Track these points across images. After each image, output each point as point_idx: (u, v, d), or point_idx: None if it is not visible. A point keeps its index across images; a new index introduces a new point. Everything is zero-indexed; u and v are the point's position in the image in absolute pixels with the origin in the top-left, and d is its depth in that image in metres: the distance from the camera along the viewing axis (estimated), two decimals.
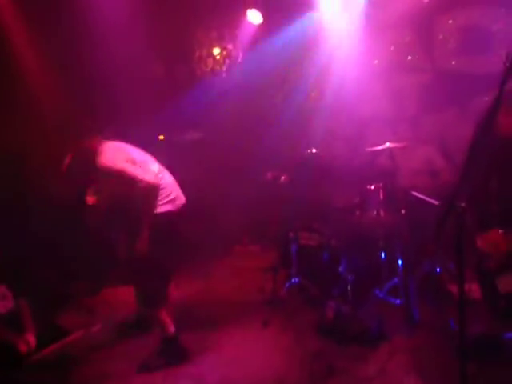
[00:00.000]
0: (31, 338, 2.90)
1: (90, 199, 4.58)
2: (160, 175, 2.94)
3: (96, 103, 4.71)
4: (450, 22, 4.51)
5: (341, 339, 2.90)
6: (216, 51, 5.54)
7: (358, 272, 3.52)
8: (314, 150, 4.04)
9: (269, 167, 4.10)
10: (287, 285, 3.67)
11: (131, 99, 4.70)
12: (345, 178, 4.30)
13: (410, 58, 4.79)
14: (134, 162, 2.84)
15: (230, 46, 5.57)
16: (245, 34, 5.45)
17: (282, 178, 3.88)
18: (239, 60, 5.60)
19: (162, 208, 2.85)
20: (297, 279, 3.65)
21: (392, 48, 4.86)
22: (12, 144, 4.32)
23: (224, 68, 5.67)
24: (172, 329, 2.88)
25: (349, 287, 3.39)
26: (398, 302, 3.33)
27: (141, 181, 2.72)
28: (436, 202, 2.97)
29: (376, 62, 4.90)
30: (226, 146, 5.52)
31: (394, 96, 4.86)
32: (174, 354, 2.86)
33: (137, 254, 2.76)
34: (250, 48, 5.48)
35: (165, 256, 2.87)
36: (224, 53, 5.57)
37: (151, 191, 2.78)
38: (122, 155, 2.85)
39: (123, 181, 2.76)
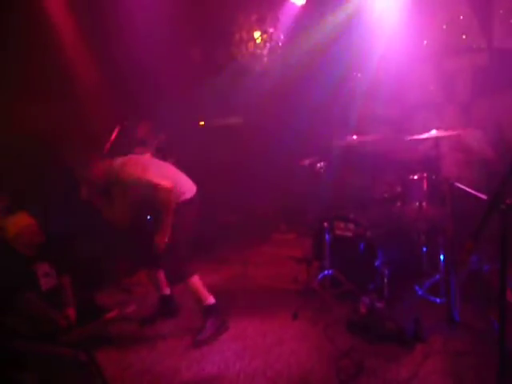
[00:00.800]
0: (71, 314, 3.02)
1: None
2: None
3: (133, 90, 4.77)
4: None
5: (373, 337, 2.76)
6: (256, 34, 5.40)
7: (396, 267, 3.33)
8: (354, 137, 3.87)
9: (307, 153, 3.97)
10: (320, 277, 3.56)
11: (169, 84, 4.71)
12: (387, 167, 4.07)
13: (464, 37, 4.39)
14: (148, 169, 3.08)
15: (271, 29, 5.41)
16: (287, 16, 5.27)
17: (319, 164, 3.73)
18: (280, 43, 5.43)
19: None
20: (330, 271, 3.52)
21: (444, 27, 4.47)
22: (54, 128, 4.46)
23: (265, 52, 5.54)
24: (211, 299, 3.11)
25: (385, 282, 3.21)
26: (438, 300, 3.12)
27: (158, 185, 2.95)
28: (483, 196, 2.70)
29: (426, 42, 4.54)
30: (265, 131, 5.42)
31: (445, 80, 4.50)
32: (219, 321, 3.08)
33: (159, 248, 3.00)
34: (292, 30, 5.30)
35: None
36: (265, 36, 5.42)
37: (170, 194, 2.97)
38: (139, 166, 3.09)
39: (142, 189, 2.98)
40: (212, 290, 3.95)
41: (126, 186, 2.99)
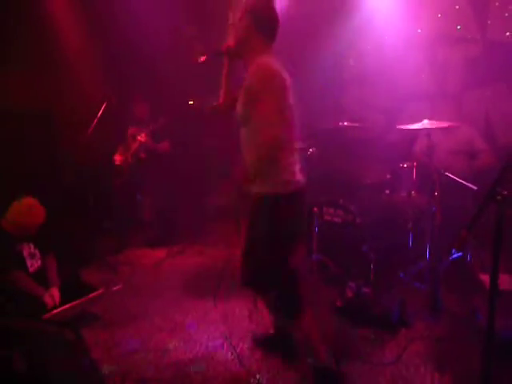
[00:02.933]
0: (56, 293, 2.97)
1: (118, 158, 4.64)
2: None
3: (126, 68, 4.66)
4: None
5: (359, 321, 2.82)
6: None
7: (383, 253, 3.39)
8: (345, 123, 3.86)
9: (299, 138, 3.94)
10: (307, 261, 3.59)
11: (163, 63, 4.61)
12: (378, 154, 4.10)
13: (459, 27, 4.39)
14: None
15: None
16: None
17: (310, 150, 3.73)
18: None
19: None
20: (318, 256, 3.56)
21: (439, 16, 4.46)
22: (43, 100, 4.35)
23: None
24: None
25: (372, 268, 3.27)
26: (422, 287, 3.20)
27: None
28: (473, 187, 2.76)
29: (419, 30, 4.53)
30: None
31: (438, 69, 4.51)
32: None
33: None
34: (285, 14, 5.19)
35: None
36: None
37: None
38: None
39: None
40: (198, 272, 3.98)
41: None
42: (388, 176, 3.71)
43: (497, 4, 4.17)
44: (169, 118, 4.64)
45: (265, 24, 2.16)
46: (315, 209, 3.61)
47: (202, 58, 2.31)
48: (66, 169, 4.80)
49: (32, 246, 3.07)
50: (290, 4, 5.08)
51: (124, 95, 4.47)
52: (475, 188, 2.73)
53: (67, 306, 2.90)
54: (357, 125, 3.89)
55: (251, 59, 2.14)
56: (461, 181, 2.95)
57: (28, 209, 3.00)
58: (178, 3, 4.75)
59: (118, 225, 4.71)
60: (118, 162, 4.67)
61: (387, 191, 3.65)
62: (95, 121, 4.09)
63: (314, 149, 3.73)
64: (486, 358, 1.70)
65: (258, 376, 2.35)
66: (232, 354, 2.58)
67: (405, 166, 3.52)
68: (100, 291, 3.16)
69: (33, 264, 3.05)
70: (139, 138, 4.56)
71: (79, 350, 2.40)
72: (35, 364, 1.83)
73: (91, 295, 3.09)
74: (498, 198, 1.61)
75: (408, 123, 3.37)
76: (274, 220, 2.10)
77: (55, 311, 2.81)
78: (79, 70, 4.71)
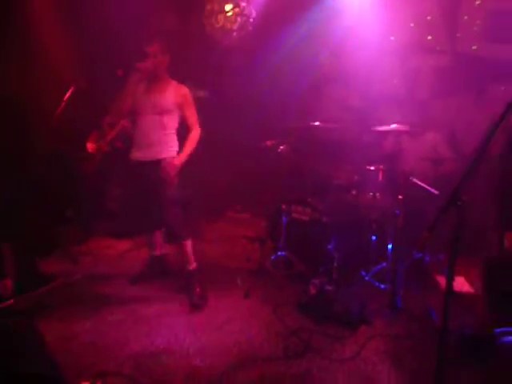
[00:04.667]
0: (8, 284, 2.86)
1: (91, 146, 4.48)
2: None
3: (101, 53, 4.52)
4: (478, 2, 4.24)
5: (320, 318, 2.87)
6: (228, 7, 5.24)
7: (347, 252, 3.47)
8: (317, 123, 3.91)
9: (271, 135, 3.97)
10: (273, 257, 3.63)
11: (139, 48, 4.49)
12: (347, 155, 4.18)
13: (430, 37, 4.54)
14: None
15: (243, 3, 5.26)
16: None
17: (281, 147, 3.75)
18: (252, 19, 5.31)
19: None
20: (283, 252, 3.60)
21: (412, 25, 4.60)
22: (9, 89, 4.15)
23: (235, 27, 5.39)
24: (196, 264, 3.38)
25: (335, 266, 3.33)
26: (382, 286, 3.30)
27: None
28: (436, 192, 2.87)
29: (392, 38, 4.65)
30: (229, 107, 5.33)
31: (408, 77, 4.65)
32: (202, 283, 3.28)
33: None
34: (264, 8, 5.19)
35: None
36: (236, 10, 5.26)
37: None
38: None
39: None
40: (164, 263, 3.91)
41: None
42: (355, 177, 3.79)
43: (466, 18, 4.34)
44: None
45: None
46: (284, 206, 3.64)
47: (120, 73, 3.04)
48: (31, 154, 4.60)
49: None
50: (266, 4, 5.11)
51: (98, 82, 4.32)
52: (437, 193, 2.84)
53: (24, 295, 2.79)
54: (328, 125, 3.95)
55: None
56: (424, 185, 3.06)
57: None
58: None
59: (83, 214, 4.57)
60: (90, 150, 4.50)
61: (354, 192, 3.73)
62: (62, 105, 3.94)
63: (285, 146, 3.76)
64: (439, 355, 1.77)
65: (218, 370, 2.36)
66: (193, 348, 2.57)
67: (372, 168, 3.61)
68: (57, 282, 3.07)
69: None
70: (121, 124, 4.41)
71: (34, 341, 2.31)
72: None
73: (48, 286, 2.99)
74: (459, 203, 1.68)
75: (378, 126, 3.45)
76: None
77: (9, 302, 2.70)
78: (49, 55, 4.53)
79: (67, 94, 3.98)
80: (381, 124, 3.50)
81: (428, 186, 3.02)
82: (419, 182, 3.13)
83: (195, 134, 3.29)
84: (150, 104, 3.19)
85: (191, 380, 2.29)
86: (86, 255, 4.05)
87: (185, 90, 3.27)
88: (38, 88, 4.31)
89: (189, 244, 3.35)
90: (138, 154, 3.32)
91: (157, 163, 3.20)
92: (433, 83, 4.54)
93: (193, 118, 3.29)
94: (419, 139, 3.80)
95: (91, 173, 4.52)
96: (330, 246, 3.47)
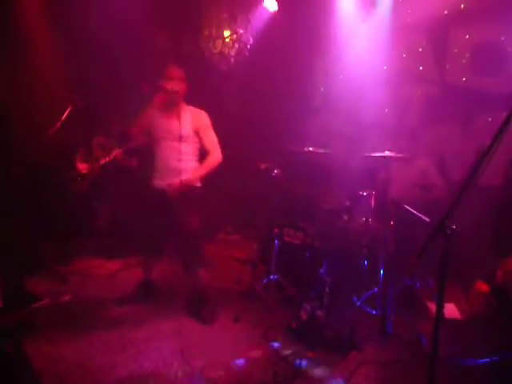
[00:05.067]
0: None
1: (82, 166, 4.48)
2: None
3: (92, 72, 4.58)
4: (467, 37, 4.41)
5: (311, 343, 2.85)
6: (226, 33, 5.39)
7: (338, 277, 3.46)
8: (310, 149, 3.97)
9: (265, 158, 4.02)
10: (265, 281, 3.61)
11: (131, 69, 4.56)
12: (339, 180, 4.23)
13: (421, 68, 4.69)
14: None
15: (241, 30, 5.42)
16: (258, 20, 5.31)
17: (275, 171, 3.79)
18: (249, 46, 5.46)
19: None
20: (275, 276, 3.59)
21: (404, 55, 4.76)
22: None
23: (233, 52, 5.53)
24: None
25: (326, 291, 3.33)
26: (374, 312, 3.29)
27: None
28: (426, 219, 2.91)
29: (385, 67, 4.80)
30: (224, 130, 5.40)
31: (398, 105, 4.78)
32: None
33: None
34: (261, 35, 5.35)
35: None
36: (234, 36, 5.42)
37: None
38: None
39: None
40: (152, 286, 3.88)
41: None
42: (347, 202, 3.82)
43: (455, 51, 4.50)
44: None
45: None
46: (276, 229, 3.66)
47: (146, 90, 2.99)
48: (19, 169, 4.58)
49: None
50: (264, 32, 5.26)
51: (91, 100, 4.38)
52: (428, 220, 2.88)
53: (9, 314, 2.74)
54: (321, 151, 4.02)
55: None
56: (415, 212, 3.10)
57: None
58: (150, 9, 4.75)
59: (70, 232, 4.52)
60: (84, 171, 4.50)
61: (345, 217, 3.76)
62: (59, 124, 3.96)
63: (279, 170, 3.80)
64: (429, 381, 1.78)
65: None
66: (181, 372, 2.53)
67: (364, 193, 3.65)
68: (44, 301, 3.02)
69: None
70: (115, 153, 4.41)
71: (20, 363, 2.27)
72: None
73: (34, 305, 2.95)
74: (447, 231, 1.72)
75: (369, 152, 3.52)
76: None
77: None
78: (43, 70, 4.57)
79: (64, 114, 4.01)
80: (372, 150, 3.57)
81: (419, 212, 3.07)
82: (410, 209, 3.18)
83: (211, 157, 3.22)
84: (169, 130, 3.15)
85: None
86: (74, 275, 4.00)
87: (202, 114, 3.25)
88: (29, 100, 4.33)
89: (202, 271, 3.37)
90: (158, 182, 3.24)
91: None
92: (422, 112, 4.66)
93: (211, 142, 3.23)
94: (409, 166, 3.88)
95: (81, 192, 4.51)
96: (321, 270, 3.47)
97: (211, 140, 3.24)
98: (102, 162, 4.52)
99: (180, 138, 3.11)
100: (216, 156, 3.24)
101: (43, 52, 4.59)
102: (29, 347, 2.45)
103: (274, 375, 2.54)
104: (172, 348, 2.80)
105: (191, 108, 3.25)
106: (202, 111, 3.26)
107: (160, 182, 3.22)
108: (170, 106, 3.16)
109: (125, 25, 4.53)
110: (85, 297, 3.54)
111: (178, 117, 3.09)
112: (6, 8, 4.24)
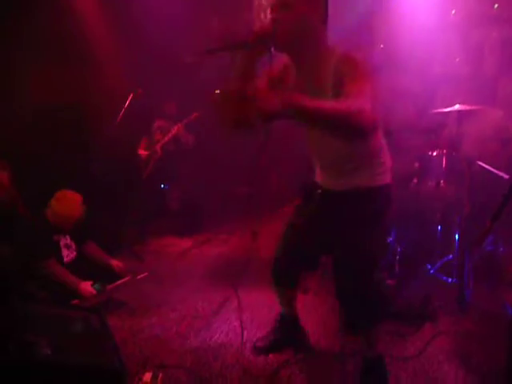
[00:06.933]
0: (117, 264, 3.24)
1: (143, 152, 4.73)
2: None
3: (151, 61, 4.71)
4: None
5: (382, 314, 2.75)
6: None
7: (409, 245, 3.29)
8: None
9: None
10: None
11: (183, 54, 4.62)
12: (408, 141, 3.95)
13: (496, 6, 4.14)
14: None
15: None
16: None
17: None
18: None
19: None
20: None
21: None
22: (72, 96, 4.47)
23: None
24: None
25: (397, 260, 3.18)
26: (449, 280, 3.08)
27: None
28: (505, 175, 2.61)
29: (454, 12, 4.30)
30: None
31: (473, 52, 4.28)
32: None
33: None
34: None
35: None
36: None
37: None
38: None
39: None
40: (221, 261, 4.02)
41: None
42: (416, 165, 3.57)
43: None
44: (200, 111, 4.66)
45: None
46: None
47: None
48: (97, 161, 4.92)
49: (68, 238, 3.19)
50: None
51: (150, 87, 4.52)
52: (507, 177, 2.58)
53: (95, 295, 2.99)
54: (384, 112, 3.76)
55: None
56: (492, 169, 2.80)
57: (72, 203, 3.13)
58: None
59: (145, 215, 4.81)
60: (143, 156, 4.74)
61: (415, 181, 3.52)
62: (122, 112, 4.16)
63: None
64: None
65: (275, 365, 2.35)
66: (250, 343, 2.59)
67: (434, 154, 3.38)
68: (126, 278, 3.24)
69: (68, 254, 3.16)
70: (175, 128, 4.60)
71: (104, 335, 2.47)
72: (59, 349, 1.90)
73: (118, 282, 3.18)
74: None
75: (439, 108, 3.22)
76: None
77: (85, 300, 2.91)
78: (107, 65, 4.82)
79: (127, 102, 4.20)
80: (443, 106, 3.26)
81: (497, 169, 2.76)
82: (487, 166, 2.87)
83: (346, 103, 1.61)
84: None
85: (248, 374, 2.31)
86: (150, 254, 4.25)
87: None
88: (98, 98, 4.59)
89: None
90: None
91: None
92: (500, 57, 4.13)
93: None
94: (485, 119, 3.49)
95: (149, 175, 4.74)
96: (390, 239, 3.31)
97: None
98: (162, 142, 4.73)
99: None
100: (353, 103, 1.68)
101: (104, 49, 4.82)
102: (112, 321, 2.69)
103: (342, 347, 2.49)
104: (242, 320, 2.87)
105: None
106: None
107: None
108: None
109: (176, 12, 4.59)
110: (160, 274, 3.75)
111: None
112: (71, 9, 4.49)
